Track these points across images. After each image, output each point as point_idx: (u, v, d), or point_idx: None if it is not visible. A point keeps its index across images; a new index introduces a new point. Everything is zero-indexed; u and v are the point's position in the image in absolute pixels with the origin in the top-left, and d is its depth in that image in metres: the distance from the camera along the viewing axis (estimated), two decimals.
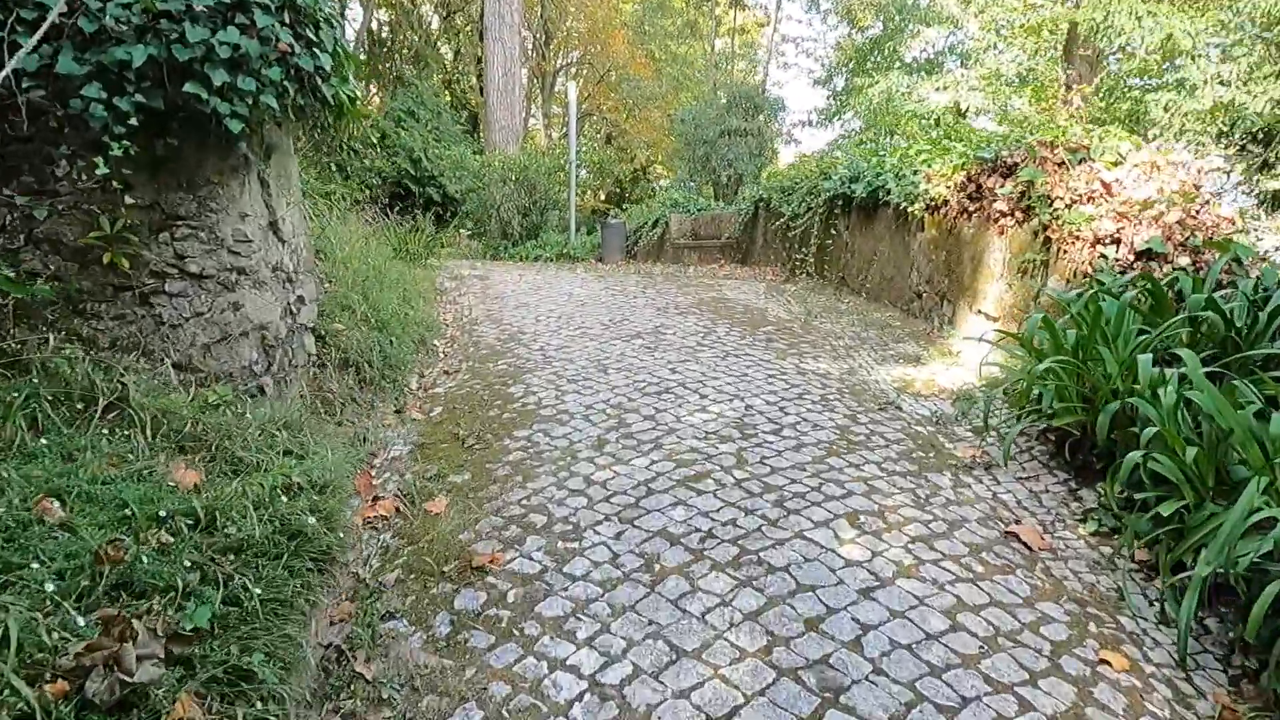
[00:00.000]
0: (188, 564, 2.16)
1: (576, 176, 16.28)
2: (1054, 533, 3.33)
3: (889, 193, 7.23)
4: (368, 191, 20.10)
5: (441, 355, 5.85)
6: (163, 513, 2.36)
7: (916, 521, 3.30)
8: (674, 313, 7.08)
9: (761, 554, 2.96)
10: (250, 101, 3.39)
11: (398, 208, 20.79)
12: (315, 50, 3.69)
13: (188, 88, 3.20)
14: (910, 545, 3.09)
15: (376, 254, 7.62)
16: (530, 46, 25.52)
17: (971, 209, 6.05)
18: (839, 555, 2.99)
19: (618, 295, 7.88)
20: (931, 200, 6.57)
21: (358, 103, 4.23)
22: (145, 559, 2.12)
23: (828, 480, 3.62)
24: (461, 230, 20.01)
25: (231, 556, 2.30)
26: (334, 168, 22.08)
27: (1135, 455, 2.99)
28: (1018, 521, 3.40)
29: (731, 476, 3.62)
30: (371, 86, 28.62)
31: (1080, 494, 3.65)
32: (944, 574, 2.91)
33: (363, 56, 27.10)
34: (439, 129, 19.92)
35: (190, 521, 2.39)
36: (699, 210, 13.92)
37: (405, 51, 25.54)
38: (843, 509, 3.35)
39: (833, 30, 31.61)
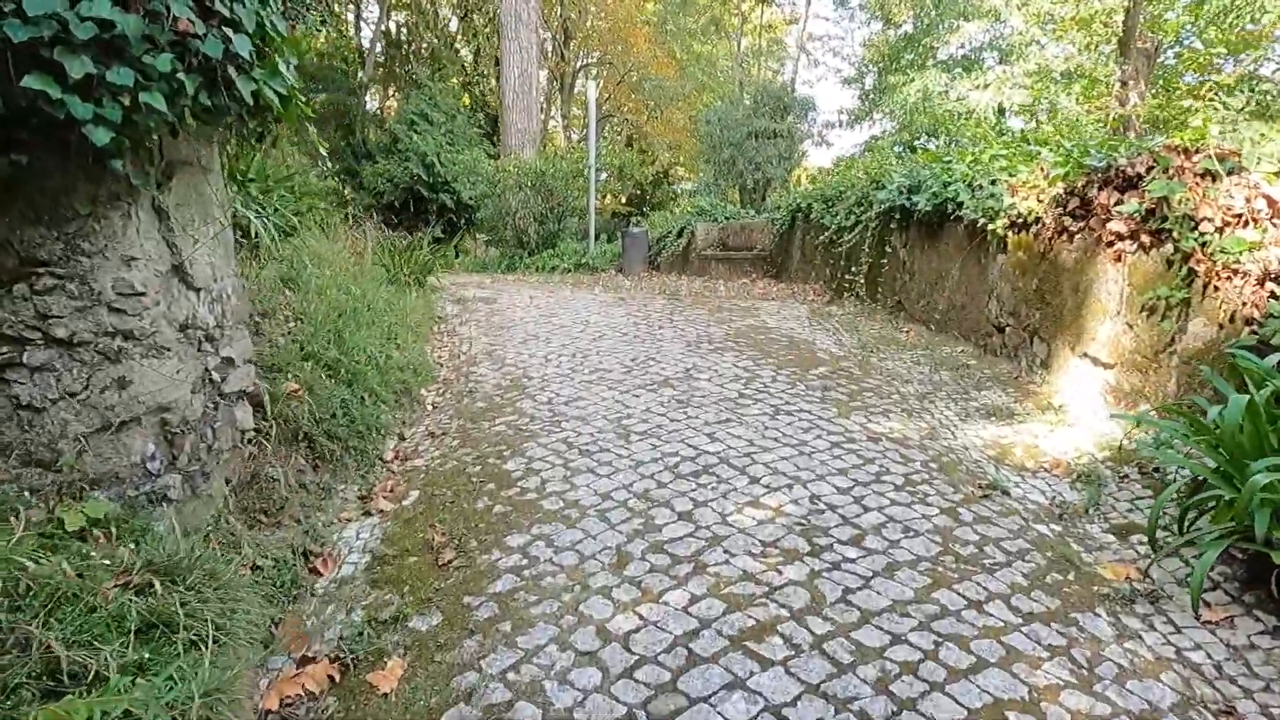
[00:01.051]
0: None
1: (596, 181, 15.23)
2: None
3: (960, 206, 6.10)
4: (379, 198, 19.19)
5: (429, 408, 4.81)
6: None
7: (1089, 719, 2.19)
8: (707, 348, 5.98)
9: None
10: (126, 102, 2.36)
11: (409, 215, 19.86)
12: (228, 31, 2.65)
13: (28, 82, 2.18)
14: None
15: (368, 277, 6.62)
16: (549, 46, 24.53)
17: (1074, 229, 4.91)
18: None
19: (640, 324, 6.80)
20: (1018, 217, 5.42)
21: (294, 102, 3.18)
22: None
23: (946, 639, 2.51)
24: (479, 236, 19.08)
25: None
26: (346, 174, 21.27)
27: None
28: (1230, 714, 2.28)
29: (807, 631, 2.53)
30: (389, 89, 27.82)
31: None
32: None
33: (378, 59, 26.25)
34: (453, 132, 18.96)
35: None
36: (727, 218, 12.81)
37: (422, 52, 24.65)
38: (978, 698, 2.25)
39: (863, 27, 30.36)
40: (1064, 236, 5.01)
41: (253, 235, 5.36)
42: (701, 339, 6.28)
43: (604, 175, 17.27)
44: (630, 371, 5.32)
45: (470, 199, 16.82)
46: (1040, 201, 5.27)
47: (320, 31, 28.63)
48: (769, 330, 6.73)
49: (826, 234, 8.29)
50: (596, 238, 15.66)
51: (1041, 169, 5.46)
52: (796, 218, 9.89)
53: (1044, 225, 5.20)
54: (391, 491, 3.65)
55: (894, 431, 4.35)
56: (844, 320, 7.30)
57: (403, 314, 5.97)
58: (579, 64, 25.21)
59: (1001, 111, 18.81)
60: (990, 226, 5.66)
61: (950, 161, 6.75)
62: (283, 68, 2.98)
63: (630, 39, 23.32)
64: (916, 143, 22.12)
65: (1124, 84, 15.78)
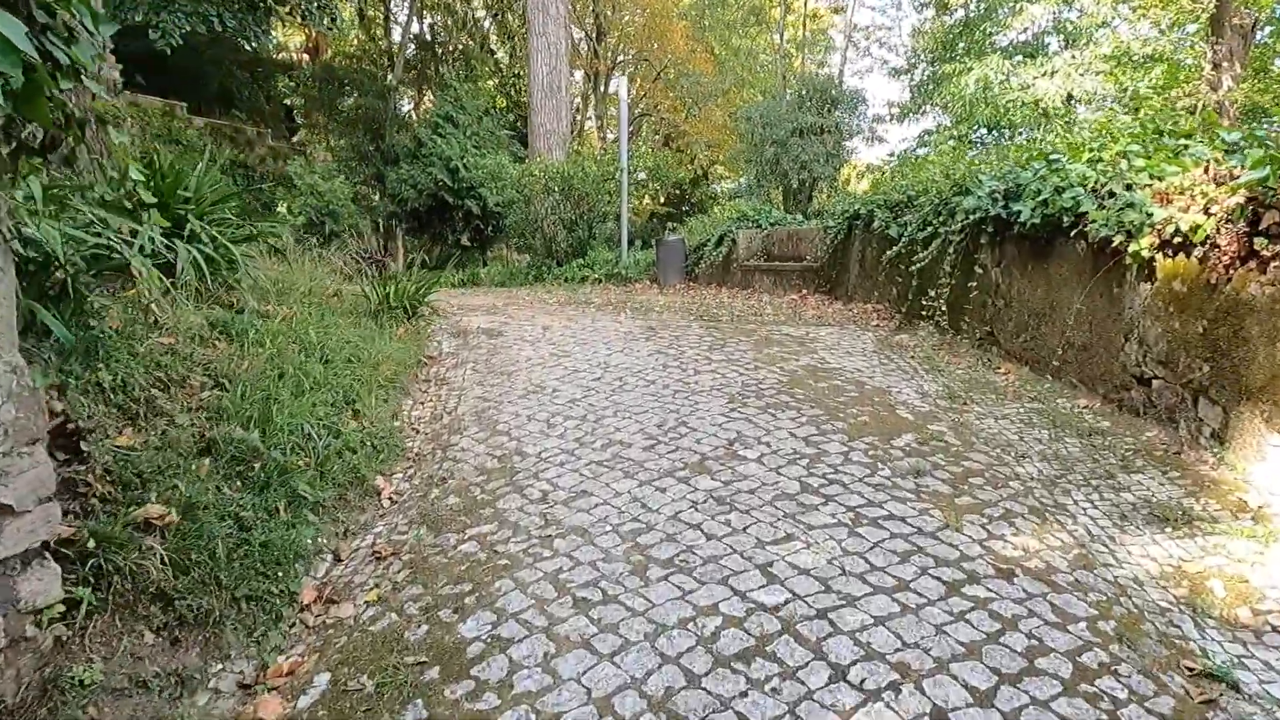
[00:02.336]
0: None
1: (629, 184, 13.93)
2: None
3: (1081, 218, 4.66)
4: (402, 206, 18.17)
5: (386, 504, 3.57)
6: None
7: None
8: (755, 404, 4.64)
9: None
10: None
11: (435, 223, 18.81)
12: None
13: None
14: None
15: (345, 311, 5.43)
16: (582, 44, 23.31)
17: (1269, 253, 3.46)
18: None
19: (672, 366, 5.48)
20: (1174, 235, 3.98)
21: (43, 81, 1.96)
22: None
23: None
24: (508, 244, 17.92)
25: None
26: (376, 180, 20.31)
27: None
28: None
29: None
30: (422, 91, 26.87)
31: None
32: None
33: (409, 60, 25.32)
34: (479, 135, 17.84)
35: None
36: (772, 224, 11.40)
37: (453, 53, 23.62)
38: None
39: (913, 14, 28.45)
40: (1252, 264, 3.56)
41: (179, 272, 4.20)
42: (748, 388, 4.93)
43: (641, 175, 15.95)
44: (655, 445, 4.01)
45: (496, 205, 15.69)
46: (1209, 215, 3.82)
47: (349, 33, 27.87)
48: (831, 372, 5.36)
49: (895, 248, 6.86)
50: (631, 244, 14.38)
51: (1208, 170, 4.00)
52: (854, 226, 8.47)
53: (1216, 247, 3.75)
54: (290, 675, 2.41)
55: (1029, 555, 2.97)
56: (920, 355, 5.89)
57: (376, 362, 4.75)
58: (613, 61, 23.91)
59: (1070, 100, 17.04)
60: (1131, 247, 4.21)
61: (1057, 160, 5.29)
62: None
63: (666, 33, 21.96)
64: (974, 137, 20.40)
65: (1216, 66, 13.92)
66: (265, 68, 27.63)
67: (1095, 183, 4.73)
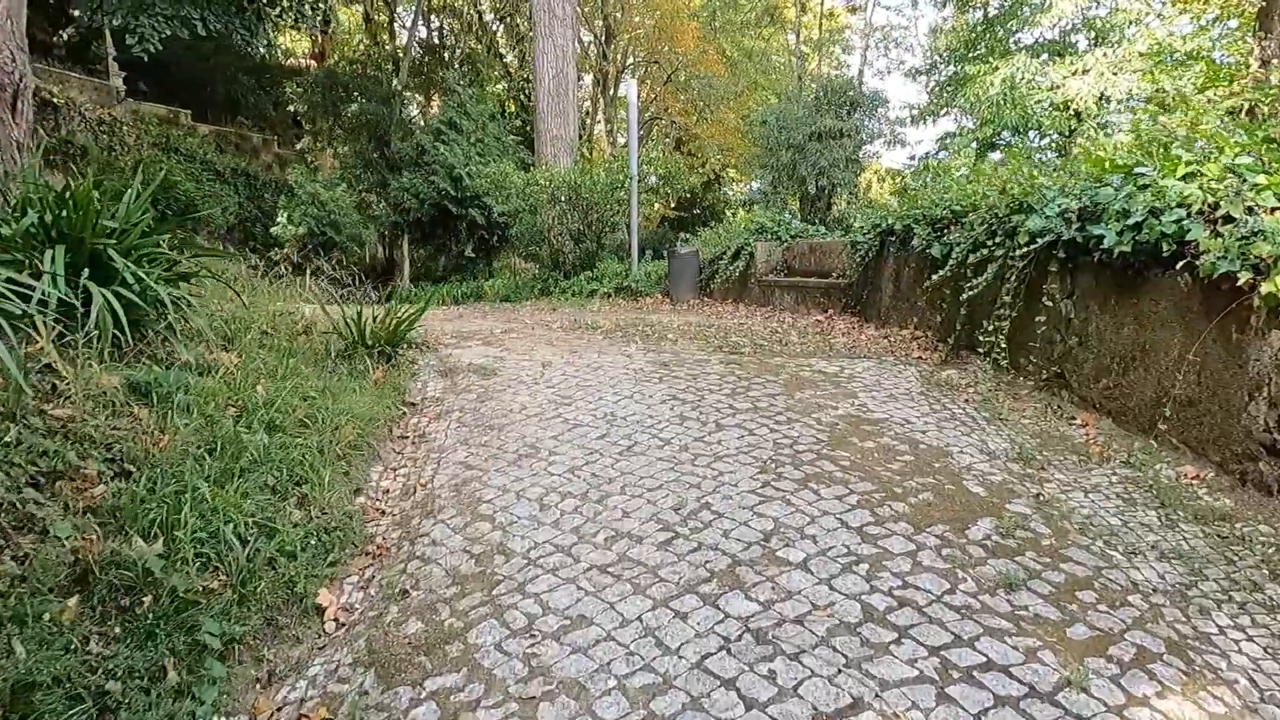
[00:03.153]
0: None
1: (639, 191, 13.12)
2: None
3: (1187, 246, 3.80)
4: (405, 216, 17.41)
5: (327, 630, 2.76)
6: None
7: None
8: (791, 474, 3.81)
9: None
10: None
11: (438, 234, 18.05)
12: None
13: None
14: None
15: (311, 353, 4.65)
16: (591, 47, 22.50)
17: None
18: None
19: (689, 419, 4.64)
20: None
21: None
22: None
23: None
24: (515, 256, 17.13)
25: None
26: (381, 188, 19.59)
27: None
28: None
29: None
30: (430, 96, 26.14)
31: None
32: None
33: (416, 63, 24.58)
34: (485, 141, 17.05)
35: None
36: (792, 236, 10.56)
37: (459, 57, 22.86)
38: None
39: (935, 11, 27.41)
40: None
41: (91, 322, 3.42)
42: (781, 451, 4.10)
43: (651, 179, 15.18)
44: (672, 540, 3.19)
45: (501, 215, 14.92)
46: None
47: (354, 38, 27.17)
48: (877, 425, 4.52)
49: (940, 271, 6.01)
50: (641, 255, 13.57)
51: None
52: (887, 242, 7.62)
53: None
54: None
55: None
56: (977, 398, 5.04)
57: (338, 423, 3.95)
58: (622, 64, 23.10)
59: (1103, 101, 16.08)
60: (1264, 287, 3.35)
61: (1144, 174, 4.43)
62: None
63: (677, 35, 21.12)
64: (998, 140, 19.44)
65: (1265, 63, 12.94)
66: (273, 74, 27.01)
67: (1202, 204, 3.87)
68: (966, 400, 5.05)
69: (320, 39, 27.74)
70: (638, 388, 5.21)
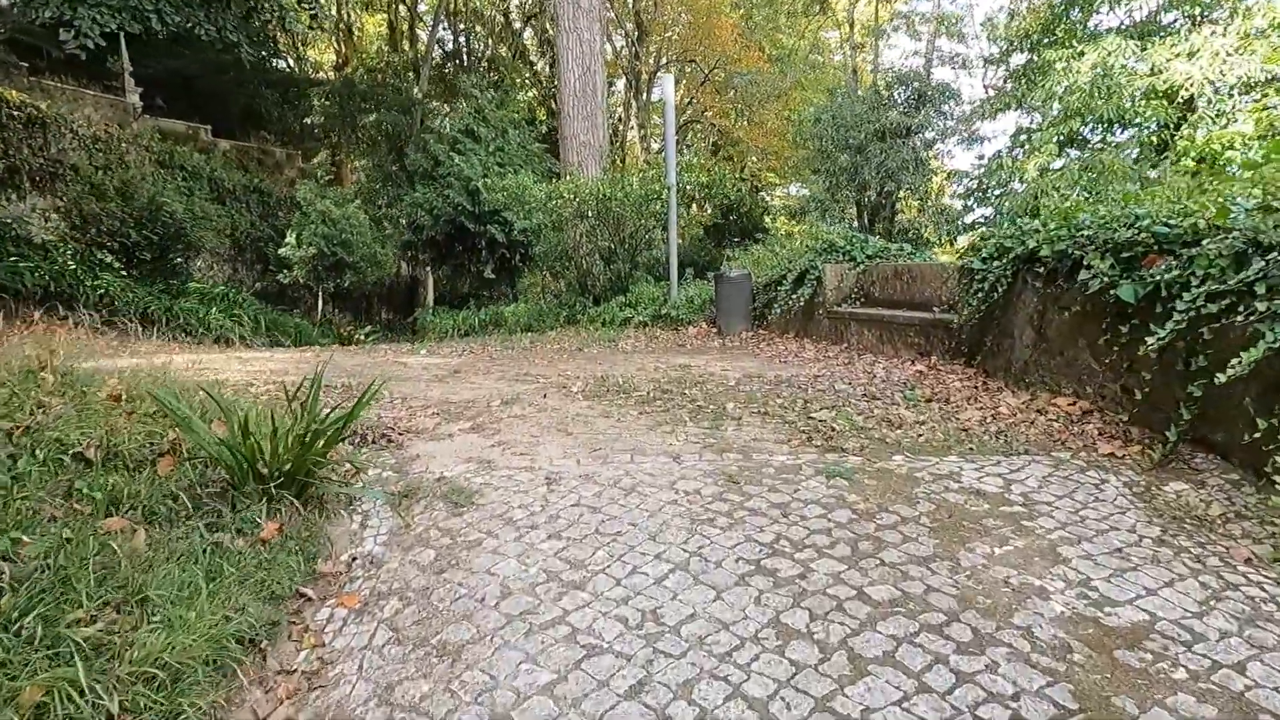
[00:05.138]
0: None
1: (677, 203, 11.07)
2: None
3: None
4: (418, 234, 15.58)
5: None
6: None
7: None
8: None
9: None
10: None
11: (455, 253, 16.19)
12: None
13: None
14: None
15: (183, 487, 2.68)
16: (622, 46, 20.51)
17: None
18: None
19: (794, 630, 2.53)
20: None
21: None
22: None
23: None
24: (540, 274, 15.20)
25: None
26: (399, 202, 17.81)
27: None
28: None
29: None
30: (454, 103, 24.42)
31: None
32: None
33: (436, 68, 22.87)
34: (505, 151, 15.14)
35: None
36: (869, 257, 8.42)
37: (482, 62, 21.09)
38: None
39: None
40: None
41: None
42: None
43: (689, 186, 13.13)
44: None
45: (521, 232, 13.03)
46: None
47: (372, 45, 25.56)
48: (1135, 642, 2.40)
49: (1162, 335, 3.83)
50: (681, 273, 11.51)
51: None
52: (1021, 271, 5.46)
53: None
54: None
55: None
56: (1265, 553, 2.89)
57: (149, 665, 1.97)
58: (655, 64, 21.04)
59: (1215, 89, 13.57)
60: None
61: None
62: None
63: (714, 31, 19.01)
64: (1080, 135, 16.95)
65: None
66: (298, 87, 25.55)
67: None
68: (1249, 561, 2.90)
69: (344, 49, 26.26)
70: (694, 539, 3.15)
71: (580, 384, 6.03)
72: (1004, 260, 5.59)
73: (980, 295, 5.89)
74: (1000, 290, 5.65)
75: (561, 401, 5.37)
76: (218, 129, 21.89)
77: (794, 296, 8.50)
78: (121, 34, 18.51)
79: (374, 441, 4.22)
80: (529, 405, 5.25)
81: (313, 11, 10.64)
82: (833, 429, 4.52)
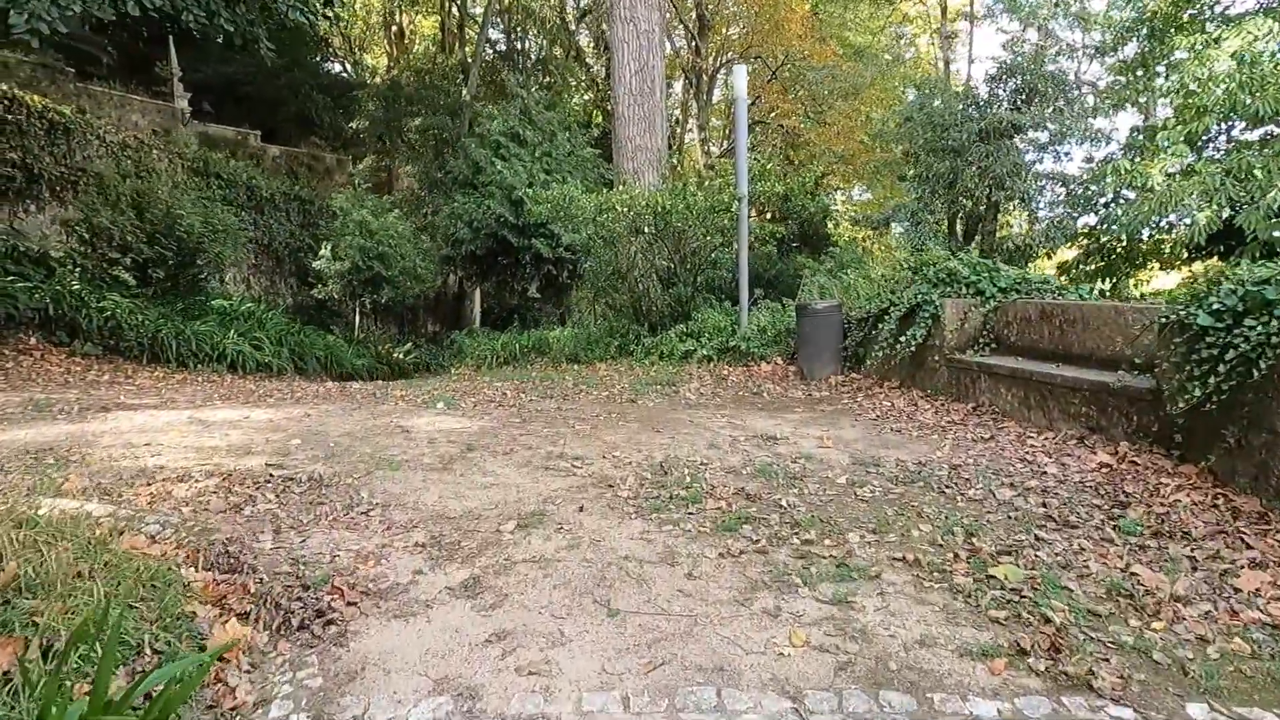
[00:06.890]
0: None
1: (748, 215, 9.27)
2: None
3: None
4: (457, 248, 14.09)
5: None
6: None
7: None
8: None
9: None
10: None
11: (497, 268, 14.67)
12: None
13: None
14: None
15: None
16: (681, 42, 18.76)
17: None
18: None
19: None
20: None
21: None
22: None
23: None
24: (587, 294, 13.55)
25: None
26: (432, 211, 16.35)
27: None
28: None
29: None
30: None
31: None
32: None
33: (486, 68, 21.47)
34: (554, 156, 13.55)
35: None
36: (1002, 290, 6.49)
37: (533, 63, 19.59)
38: None
39: None
40: None
41: None
42: None
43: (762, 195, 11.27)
44: None
45: (568, 247, 11.42)
46: None
47: (417, 46, 24.30)
48: None
49: None
50: (751, 295, 9.69)
51: None
52: None
53: None
54: None
55: None
56: None
57: None
58: (718, 61, 19.17)
59: None
60: None
61: None
62: None
63: (783, 23, 17.07)
64: (1209, 135, 14.48)
65: None
66: (352, 91, 24.53)
67: None
68: None
69: (395, 51, 25.16)
70: None
71: (632, 479, 4.31)
72: (1268, 319, 3.65)
73: (1208, 365, 3.95)
74: (1259, 363, 3.70)
75: (603, 522, 3.65)
76: (268, 134, 20.98)
77: (904, 339, 6.61)
78: (170, 37, 17.62)
79: (300, 626, 2.57)
80: (556, 530, 3.54)
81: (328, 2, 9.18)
82: (1045, 617, 2.68)
